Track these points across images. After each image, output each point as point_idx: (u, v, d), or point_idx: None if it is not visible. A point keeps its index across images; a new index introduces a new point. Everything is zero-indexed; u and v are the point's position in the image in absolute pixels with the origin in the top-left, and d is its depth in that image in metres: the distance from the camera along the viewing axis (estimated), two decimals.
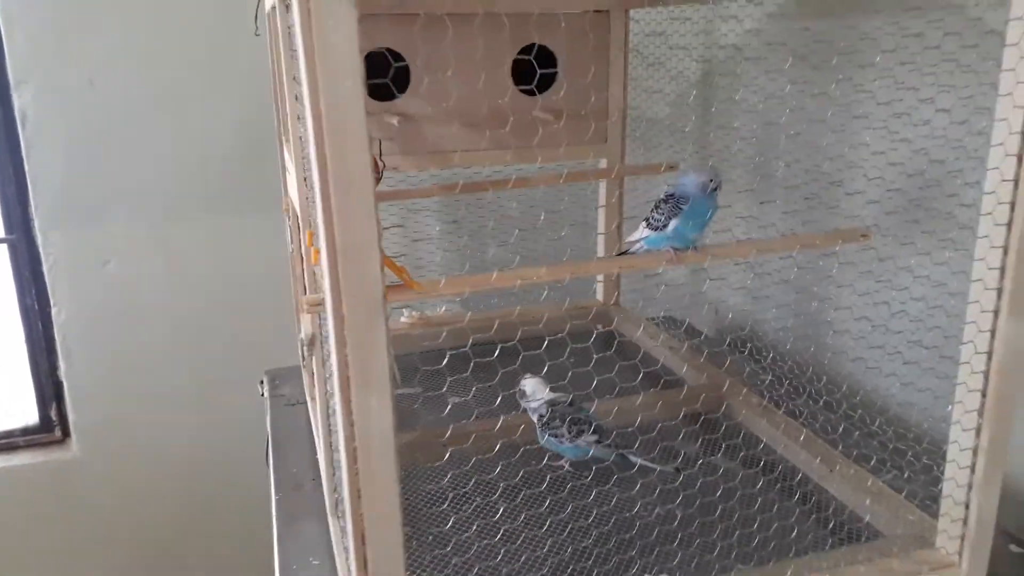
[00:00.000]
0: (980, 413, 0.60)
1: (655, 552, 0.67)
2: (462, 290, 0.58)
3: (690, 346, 1.07)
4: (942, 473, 0.65)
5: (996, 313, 0.57)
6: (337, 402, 0.45)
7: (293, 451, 0.92)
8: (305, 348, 0.68)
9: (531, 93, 1.05)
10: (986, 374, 0.59)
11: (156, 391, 1.48)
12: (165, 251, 1.43)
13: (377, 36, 0.95)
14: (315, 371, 0.68)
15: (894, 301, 0.81)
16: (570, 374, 0.73)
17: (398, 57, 0.99)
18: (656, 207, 0.69)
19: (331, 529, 0.72)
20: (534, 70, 1.04)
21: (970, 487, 0.62)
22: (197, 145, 1.39)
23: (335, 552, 0.69)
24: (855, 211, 0.92)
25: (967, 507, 0.62)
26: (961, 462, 0.62)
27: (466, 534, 0.69)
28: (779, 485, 0.79)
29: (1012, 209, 0.55)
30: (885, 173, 0.85)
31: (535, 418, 0.80)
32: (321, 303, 0.58)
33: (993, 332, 0.58)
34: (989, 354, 0.58)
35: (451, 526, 0.70)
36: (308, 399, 0.92)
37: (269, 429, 0.98)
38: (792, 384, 0.94)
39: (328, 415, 0.69)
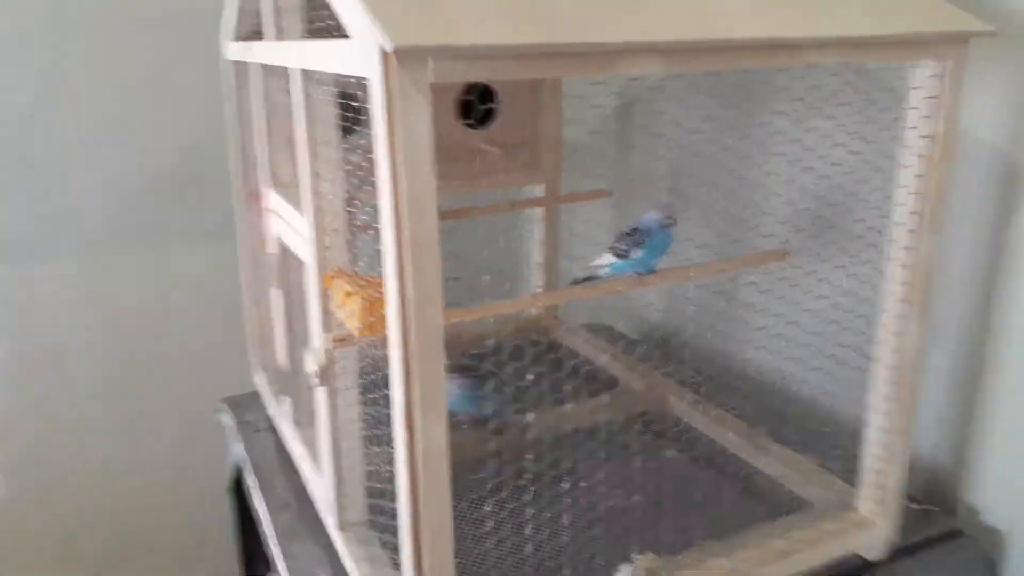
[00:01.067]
0: (891, 398, 0.74)
1: (646, 534, 0.77)
2: (471, 317, 0.67)
3: (624, 350, 1.19)
4: (858, 450, 0.79)
5: (902, 319, 0.71)
6: (399, 426, 0.53)
7: (272, 474, 0.97)
8: (314, 378, 0.74)
9: (475, 127, 1.14)
10: (896, 367, 0.73)
11: (82, 427, 1.46)
12: (89, 283, 1.42)
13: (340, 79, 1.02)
14: (327, 399, 0.74)
15: (825, 309, 0.96)
16: (529, 378, 0.82)
17: (354, 96, 1.06)
18: (620, 239, 0.79)
19: (337, 543, 0.79)
20: (477, 106, 1.13)
21: (884, 459, 0.76)
22: (124, 175, 1.38)
23: (346, 564, 0.76)
24: (769, 228, 1.06)
25: (885, 476, 0.77)
26: (877, 439, 0.76)
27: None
28: (723, 470, 0.91)
29: (915, 235, 0.69)
30: (799, 200, 0.99)
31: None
32: (344, 340, 0.65)
33: (900, 334, 0.72)
34: (898, 351, 0.72)
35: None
36: (289, 424, 0.97)
37: (246, 454, 1.02)
38: (721, 380, 1.08)
39: (337, 438, 0.76)
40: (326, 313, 0.71)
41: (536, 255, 1.25)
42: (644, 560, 0.68)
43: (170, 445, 1.51)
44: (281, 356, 0.94)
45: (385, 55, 0.45)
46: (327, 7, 0.68)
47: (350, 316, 0.65)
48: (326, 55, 0.55)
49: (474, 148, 1.14)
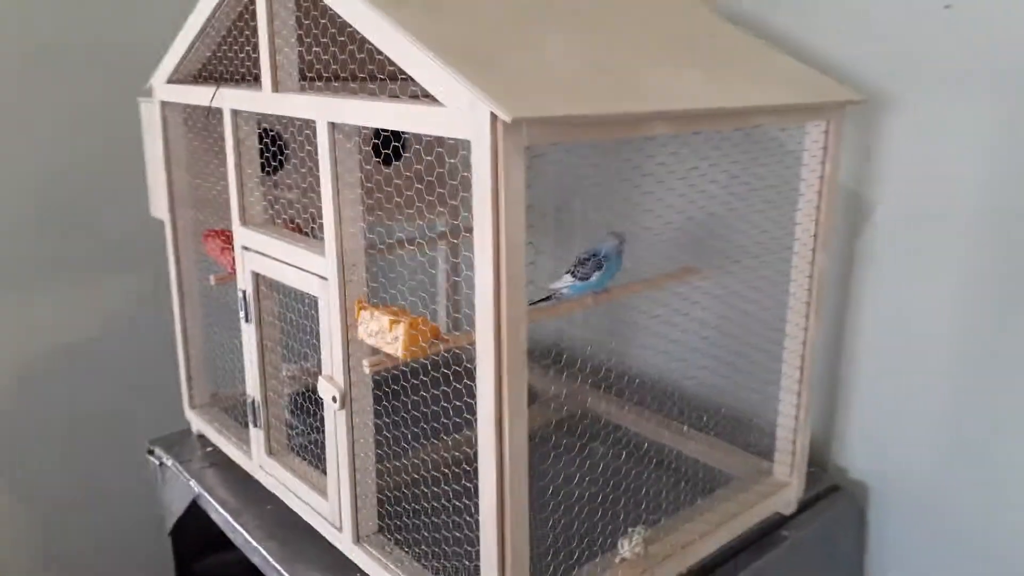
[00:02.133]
0: (799, 382, 0.94)
1: (611, 517, 0.91)
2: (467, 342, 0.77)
3: (532, 362, 1.33)
4: (761, 433, 0.98)
5: (807, 318, 0.91)
6: (490, 429, 0.62)
7: (243, 507, 0.99)
8: (334, 403, 0.80)
9: (387, 164, 1.25)
10: (802, 356, 0.93)
11: None
12: None
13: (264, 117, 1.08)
14: (346, 421, 0.80)
15: (710, 316, 1.15)
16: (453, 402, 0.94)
17: (278, 137, 1.12)
18: (581, 263, 0.93)
19: (355, 555, 0.85)
20: (389, 145, 1.24)
21: (795, 431, 0.96)
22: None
23: (371, 572, 0.82)
24: (646, 249, 1.24)
25: (794, 444, 0.96)
26: (789, 414, 0.95)
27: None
28: (652, 458, 1.07)
29: (814, 254, 0.89)
30: (679, 226, 1.19)
31: None
32: (381, 363, 0.73)
33: (806, 330, 0.92)
34: (804, 343, 0.92)
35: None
36: (259, 455, 1.00)
37: (204, 492, 1.03)
38: (628, 382, 1.25)
39: (353, 459, 0.82)
40: (350, 342, 0.78)
41: (442, 284, 1.36)
42: (639, 530, 0.81)
43: (63, 497, 1.43)
44: (252, 389, 0.97)
45: (494, 123, 0.56)
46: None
47: (392, 341, 0.73)
48: (413, 118, 0.63)
49: (389, 183, 1.25)
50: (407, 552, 0.83)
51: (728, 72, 0.79)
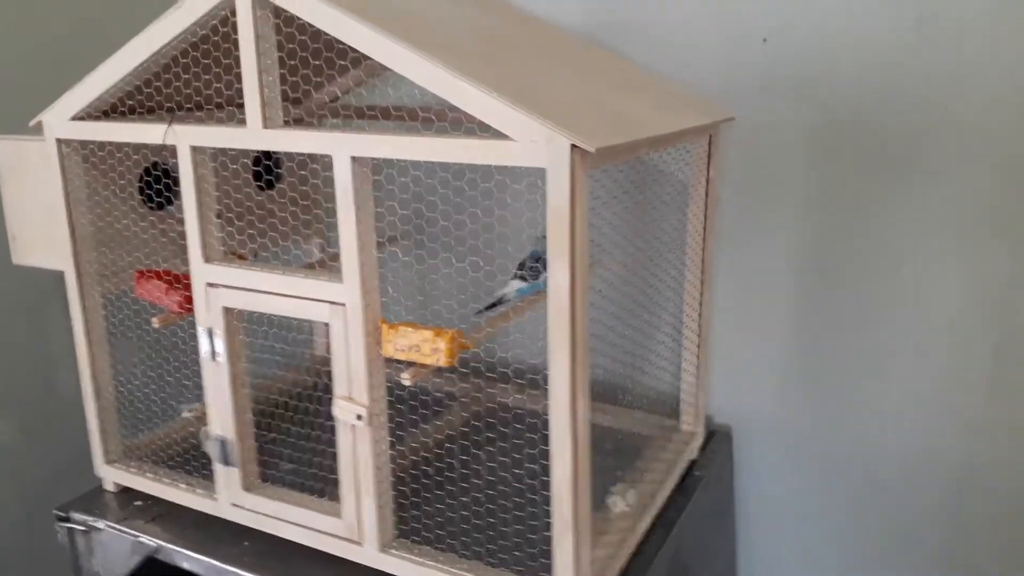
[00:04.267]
0: (699, 346, 1.15)
1: None
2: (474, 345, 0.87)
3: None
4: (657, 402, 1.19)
5: (701, 293, 1.13)
6: (564, 413, 0.73)
7: (225, 549, 0.97)
8: (358, 421, 0.84)
9: (266, 189, 1.27)
10: (699, 324, 1.14)
11: None
12: None
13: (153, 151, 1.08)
14: (371, 436, 0.85)
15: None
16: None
17: (168, 170, 1.11)
18: (528, 266, 1.05)
19: (385, 563, 0.89)
20: (271, 171, 1.26)
21: (697, 387, 1.17)
22: None
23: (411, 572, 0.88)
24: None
25: (696, 399, 1.18)
26: (691, 372, 1.16)
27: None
28: None
29: (704, 240, 1.10)
30: None
31: None
32: (419, 374, 0.81)
33: (701, 304, 1.13)
34: (700, 314, 1.14)
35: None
36: (236, 493, 0.98)
37: (164, 544, 0.98)
38: (522, 369, 1.39)
39: (378, 471, 0.87)
40: (374, 360, 0.84)
41: None
42: (623, 485, 0.96)
43: None
44: (222, 427, 0.96)
45: (574, 153, 0.67)
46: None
47: (432, 353, 0.80)
48: (475, 152, 0.71)
49: (266, 208, 1.27)
50: (433, 548, 0.90)
51: (657, 100, 0.96)
